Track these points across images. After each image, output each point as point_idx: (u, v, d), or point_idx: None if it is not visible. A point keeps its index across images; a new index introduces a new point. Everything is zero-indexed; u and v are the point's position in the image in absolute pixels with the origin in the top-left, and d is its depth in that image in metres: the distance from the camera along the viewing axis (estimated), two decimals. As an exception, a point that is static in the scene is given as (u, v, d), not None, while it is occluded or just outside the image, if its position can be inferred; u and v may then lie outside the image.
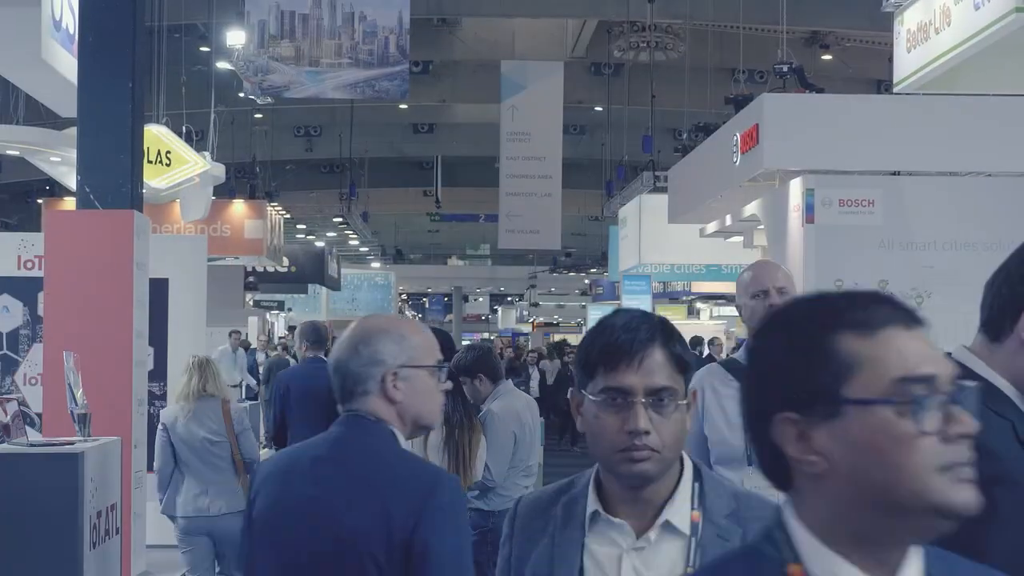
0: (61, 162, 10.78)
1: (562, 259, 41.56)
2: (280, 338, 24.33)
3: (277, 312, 31.60)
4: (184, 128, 15.36)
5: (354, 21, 16.01)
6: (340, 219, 32.65)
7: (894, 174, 13.32)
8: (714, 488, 1.82)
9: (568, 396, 1.86)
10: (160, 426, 6.00)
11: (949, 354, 1.66)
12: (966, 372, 1.61)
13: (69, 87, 7.54)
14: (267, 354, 19.20)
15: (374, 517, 2.16)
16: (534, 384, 18.87)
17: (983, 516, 1.35)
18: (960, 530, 1.34)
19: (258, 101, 17.74)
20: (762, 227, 15.27)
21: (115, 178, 6.99)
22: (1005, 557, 1.46)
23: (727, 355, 13.19)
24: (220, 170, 15.09)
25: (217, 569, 5.97)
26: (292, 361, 14.94)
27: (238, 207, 19.96)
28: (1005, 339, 1.64)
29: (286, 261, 24.22)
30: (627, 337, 1.74)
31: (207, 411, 5.89)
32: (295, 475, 2.30)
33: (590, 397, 1.77)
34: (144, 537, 7.21)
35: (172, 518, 5.89)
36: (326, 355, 6.29)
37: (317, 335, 6.79)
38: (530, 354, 20.55)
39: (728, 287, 23.38)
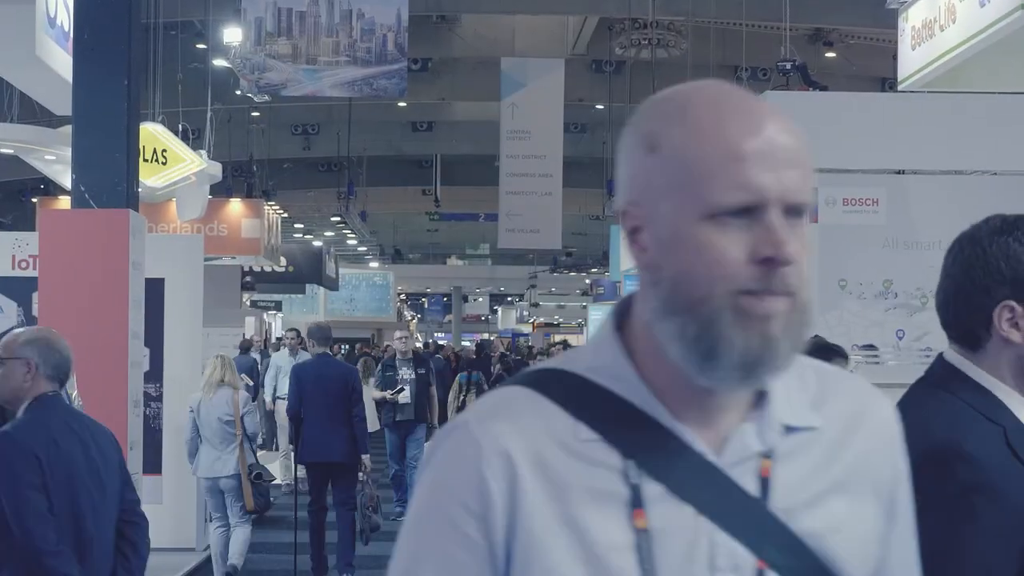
0: (56, 160, 10.74)
1: (563, 259, 41.50)
2: (278, 339, 24.16)
3: (275, 313, 31.48)
4: (180, 126, 15.30)
5: (352, 18, 15.90)
6: (338, 218, 32.55)
7: (899, 173, 13.24)
8: None
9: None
10: (189, 408, 7.62)
11: (941, 355, 1.67)
12: (960, 376, 1.62)
13: (64, 85, 7.51)
14: (263, 355, 19.00)
15: (113, 451, 3.71)
16: None
17: (961, 525, 1.46)
18: (938, 539, 1.39)
19: (255, 99, 17.63)
20: (765, 226, 15.18)
21: (110, 177, 6.96)
22: (984, 570, 1.47)
23: None
24: (217, 169, 15.03)
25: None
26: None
27: (235, 206, 19.89)
28: (986, 344, 1.64)
29: (283, 261, 24.13)
30: None
31: (222, 397, 7.45)
32: (54, 444, 3.52)
33: None
34: (140, 541, 7.14)
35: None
36: (331, 351, 8.97)
37: (323, 334, 8.53)
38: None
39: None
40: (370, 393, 10.74)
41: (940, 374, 1.66)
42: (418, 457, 10.43)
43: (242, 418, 7.43)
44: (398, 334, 11.58)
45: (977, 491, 1.48)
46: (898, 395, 1.75)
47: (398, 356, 10.80)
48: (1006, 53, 9.80)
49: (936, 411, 1.59)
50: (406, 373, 10.43)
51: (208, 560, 8.51)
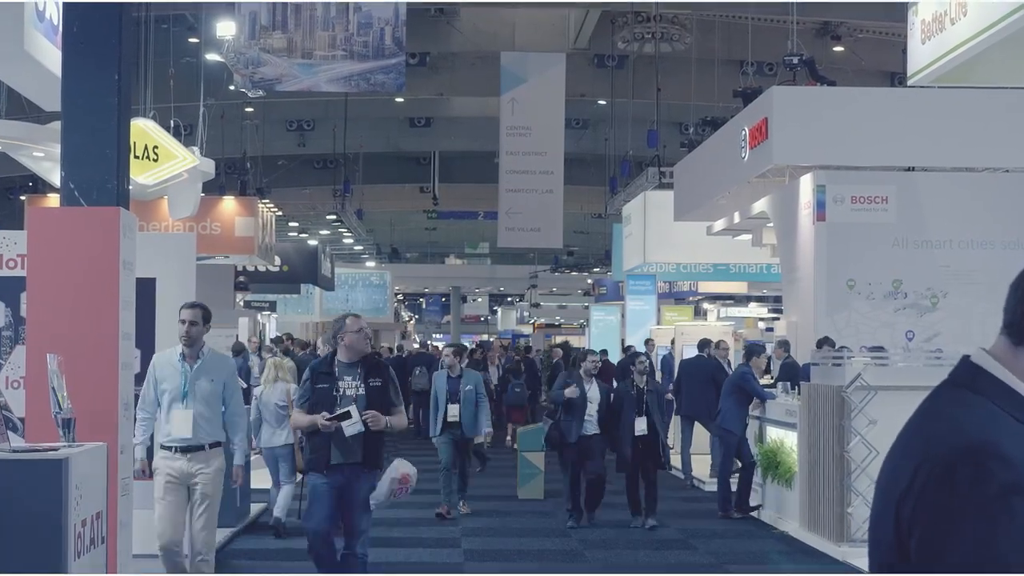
0: (45, 157, 10.75)
1: (564, 258, 41.45)
2: (272, 339, 23.96)
3: (269, 313, 31.28)
4: (172, 122, 15.21)
5: (348, 12, 15.72)
6: (334, 216, 32.43)
7: (908, 170, 13.13)
8: None
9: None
10: (253, 396, 10.57)
11: (967, 356, 1.64)
12: (984, 376, 1.60)
13: (53, 79, 7.42)
14: (260, 356, 18.78)
15: None
16: (593, 407, 10.95)
17: (999, 525, 1.46)
18: (976, 539, 1.46)
19: (249, 94, 17.44)
20: (771, 225, 15.05)
21: (100, 174, 6.86)
22: (1020, 569, 1.46)
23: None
24: (209, 166, 14.94)
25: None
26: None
27: (228, 204, 19.73)
28: None
29: (278, 260, 23.93)
30: None
31: (278, 389, 10.19)
32: None
33: None
34: (130, 547, 7.09)
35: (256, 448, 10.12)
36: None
37: (332, 335, 10.37)
38: (592, 360, 11.30)
39: (736, 287, 23.22)
40: (295, 419, 7.15)
41: (966, 375, 1.63)
42: (367, 532, 6.78)
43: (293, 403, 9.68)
44: (349, 321, 6.93)
45: (1016, 491, 1.47)
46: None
47: (338, 358, 6.86)
48: (1019, 47, 9.64)
49: (967, 411, 1.58)
50: (349, 385, 6.71)
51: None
